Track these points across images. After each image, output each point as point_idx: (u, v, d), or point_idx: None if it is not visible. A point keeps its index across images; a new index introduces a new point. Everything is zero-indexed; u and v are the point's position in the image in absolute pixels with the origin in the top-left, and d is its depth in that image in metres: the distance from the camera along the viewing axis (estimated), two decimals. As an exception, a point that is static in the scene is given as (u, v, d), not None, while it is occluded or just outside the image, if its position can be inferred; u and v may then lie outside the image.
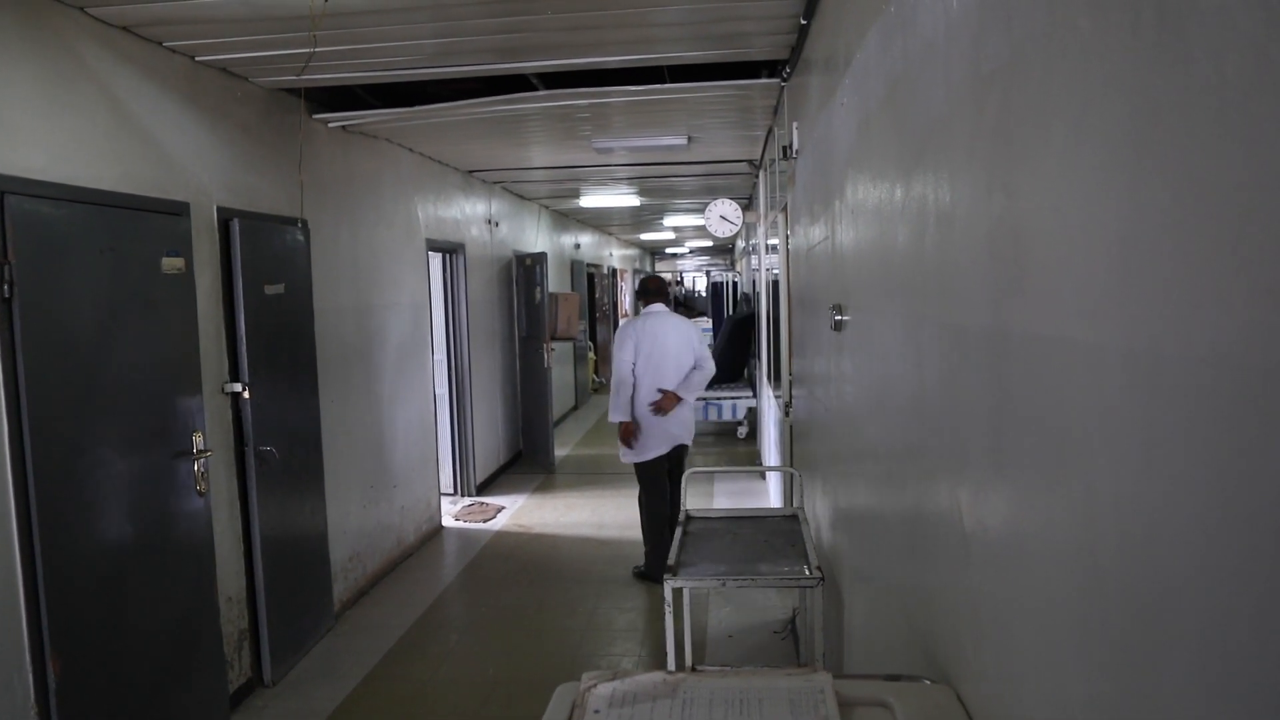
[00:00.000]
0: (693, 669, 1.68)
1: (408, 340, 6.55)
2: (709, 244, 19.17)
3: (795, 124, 4.23)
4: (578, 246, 13.84)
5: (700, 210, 10.43)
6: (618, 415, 5.63)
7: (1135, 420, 0.87)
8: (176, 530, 3.72)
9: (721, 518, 3.61)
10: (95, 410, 3.28)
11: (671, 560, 3.01)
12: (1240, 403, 0.69)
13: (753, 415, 10.22)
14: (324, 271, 5.13)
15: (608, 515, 7.33)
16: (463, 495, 8.01)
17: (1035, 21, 1.11)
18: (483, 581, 5.96)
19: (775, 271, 6.43)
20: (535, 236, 10.88)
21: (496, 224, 9.01)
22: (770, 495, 7.49)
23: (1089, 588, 0.98)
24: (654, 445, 5.63)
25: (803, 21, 3.68)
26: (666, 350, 5.62)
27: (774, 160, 5.66)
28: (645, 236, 17.93)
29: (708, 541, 3.27)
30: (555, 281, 11.18)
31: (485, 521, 7.33)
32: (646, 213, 12.80)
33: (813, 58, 3.64)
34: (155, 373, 3.60)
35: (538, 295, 9.07)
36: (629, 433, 5.60)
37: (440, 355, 7.65)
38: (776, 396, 6.26)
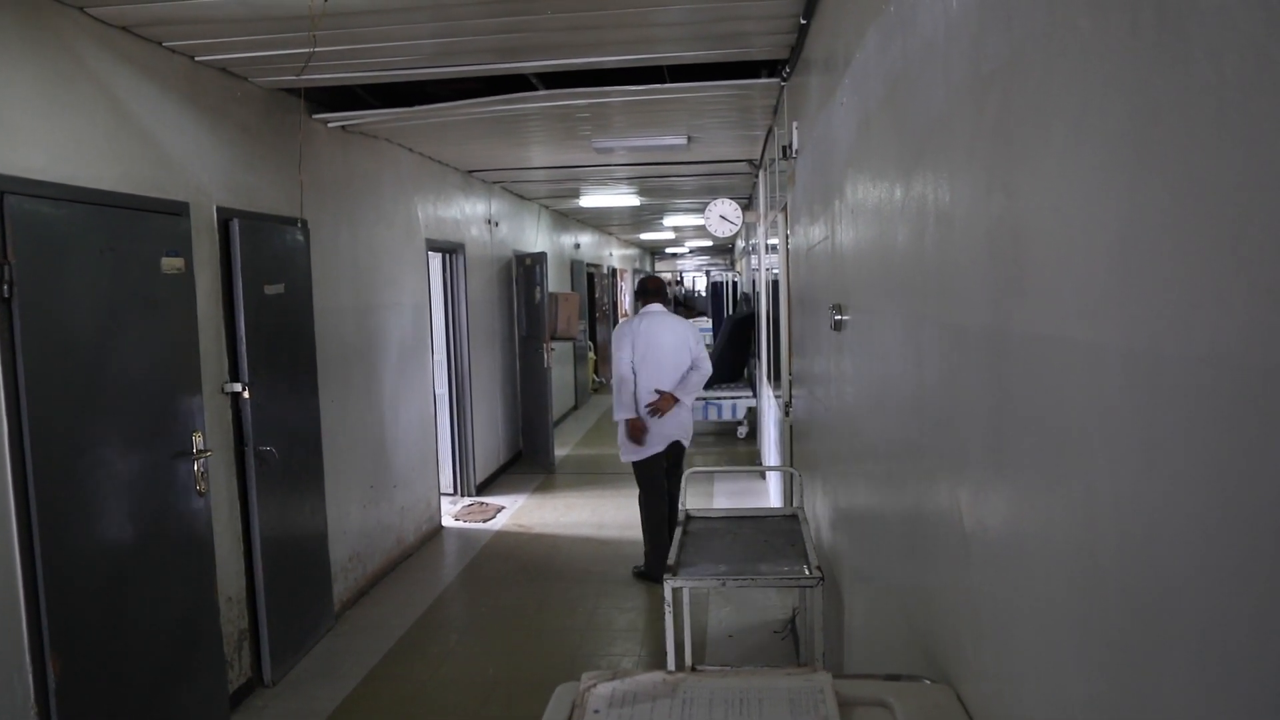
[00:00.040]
0: (693, 669, 1.68)
1: (408, 340, 6.55)
2: (709, 244, 19.17)
3: (795, 124, 4.23)
4: (577, 246, 13.84)
5: (700, 210, 10.43)
6: (623, 413, 5.62)
7: (1135, 420, 0.87)
8: (176, 530, 3.72)
9: (721, 517, 3.61)
10: (95, 410, 3.28)
11: (671, 560, 3.01)
12: (1240, 403, 0.69)
13: (752, 415, 10.22)
14: (324, 271, 5.13)
15: (608, 515, 7.33)
16: (463, 495, 8.01)
17: (1035, 21, 1.11)
18: (483, 581, 5.96)
19: (775, 271, 6.43)
20: (535, 236, 10.88)
21: (496, 224, 9.01)
22: (770, 495, 7.49)
23: (1089, 588, 0.98)
24: (650, 444, 5.63)
25: (802, 21, 3.68)
26: (663, 350, 5.62)
27: (774, 160, 5.66)
28: (645, 236, 17.93)
29: (708, 541, 3.27)
30: (555, 281, 11.18)
31: (485, 521, 7.33)
32: (646, 212, 12.80)
33: (812, 57, 3.64)
34: (155, 373, 3.60)
35: (537, 295, 9.07)
36: (637, 429, 5.59)
37: (440, 355, 7.65)
38: (776, 396, 6.26)
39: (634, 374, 5.61)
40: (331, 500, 5.12)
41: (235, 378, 4.19)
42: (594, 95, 4.98)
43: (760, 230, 7.65)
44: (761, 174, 7.38)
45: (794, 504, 3.90)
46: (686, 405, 5.71)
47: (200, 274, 3.94)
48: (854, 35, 2.48)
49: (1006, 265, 1.23)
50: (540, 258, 9.13)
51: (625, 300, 19.92)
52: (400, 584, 5.90)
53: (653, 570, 5.59)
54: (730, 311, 14.65)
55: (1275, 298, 0.64)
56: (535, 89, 4.89)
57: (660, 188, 9.91)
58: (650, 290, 6.00)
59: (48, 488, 3.03)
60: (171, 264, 3.69)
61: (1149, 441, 0.84)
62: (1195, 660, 0.76)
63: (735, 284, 17.19)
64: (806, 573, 2.89)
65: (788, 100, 4.72)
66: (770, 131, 6.13)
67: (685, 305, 25.31)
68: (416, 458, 6.68)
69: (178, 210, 3.80)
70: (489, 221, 8.77)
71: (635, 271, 21.72)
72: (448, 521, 7.31)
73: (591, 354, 15.06)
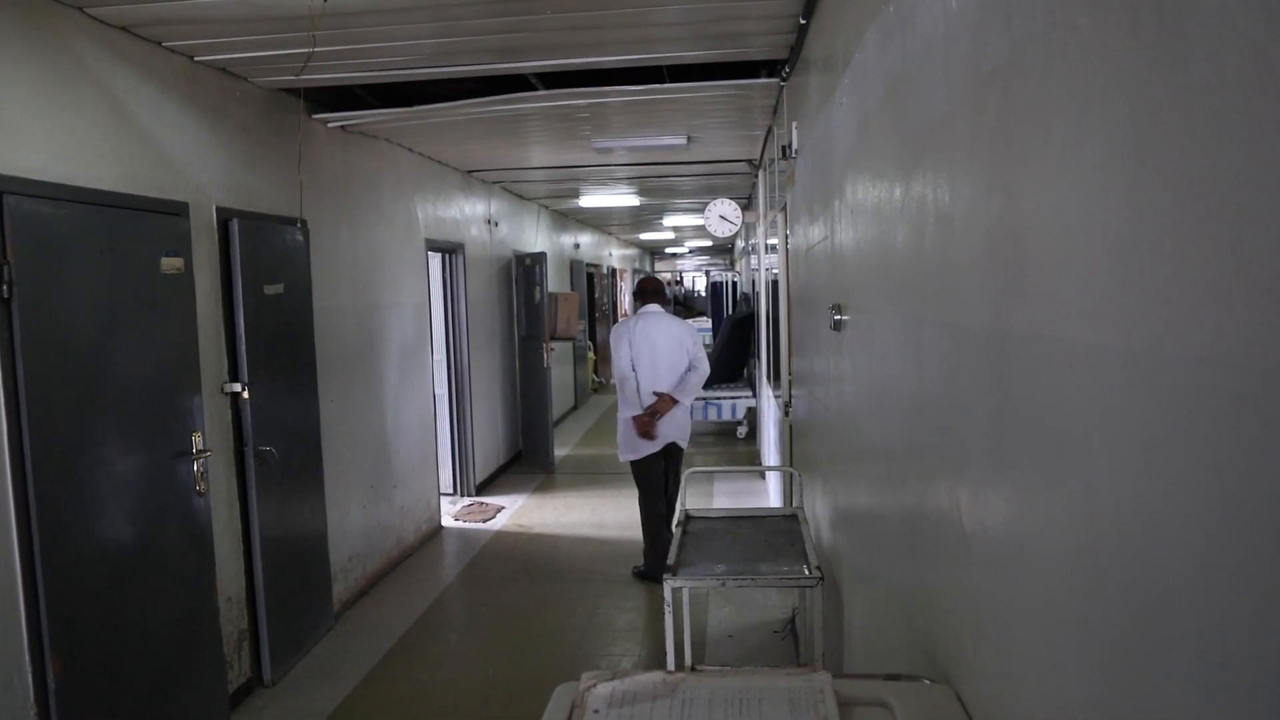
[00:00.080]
0: (692, 669, 1.67)
1: (407, 340, 6.55)
2: (708, 244, 19.18)
3: (794, 124, 4.23)
4: (577, 246, 13.84)
5: (700, 210, 10.43)
6: (629, 410, 5.62)
7: (1135, 420, 0.87)
8: (176, 530, 3.71)
9: (721, 517, 3.61)
10: (95, 410, 3.28)
11: (671, 560, 3.01)
12: (1240, 403, 0.69)
13: (752, 415, 10.22)
14: (323, 271, 5.13)
15: (607, 515, 7.33)
16: (462, 495, 8.01)
17: (1035, 21, 1.11)
18: (482, 581, 5.96)
19: (774, 271, 6.43)
20: (535, 236, 10.88)
21: (496, 224, 9.01)
22: (770, 495, 7.49)
23: (1089, 587, 0.98)
24: (643, 445, 5.63)
25: (802, 21, 3.68)
26: (659, 351, 5.62)
27: (773, 160, 5.66)
28: (645, 236, 17.93)
29: (707, 541, 3.27)
30: (555, 281, 11.18)
31: (485, 521, 7.33)
32: (646, 212, 12.80)
33: (812, 57, 3.64)
34: (154, 373, 3.60)
35: (537, 295, 9.07)
36: (646, 425, 5.59)
37: (440, 355, 7.65)
38: (776, 396, 6.26)
39: (634, 371, 5.61)
40: (331, 500, 5.12)
41: (235, 378, 4.19)
42: (593, 95, 4.98)
43: (760, 230, 7.65)
44: (761, 174, 7.38)
45: (794, 504, 3.90)
46: (685, 406, 5.71)
47: (200, 274, 3.94)
48: (853, 35, 2.48)
49: (1006, 265, 1.23)
50: (540, 258, 9.13)
51: (625, 300, 19.92)
52: (400, 584, 5.90)
53: (652, 570, 5.59)
54: (730, 311, 14.66)
55: (1275, 298, 0.64)
56: (535, 89, 4.89)
57: (660, 188, 9.91)
58: (648, 291, 6.00)
59: (47, 488, 3.03)
60: (171, 264, 3.69)
61: (1149, 441, 0.84)
62: (1195, 660, 0.76)
63: (735, 284, 17.19)
64: (806, 573, 2.89)
65: (787, 100, 4.72)
66: (770, 131, 6.13)
67: (684, 305, 25.29)
68: (416, 458, 6.68)
69: (177, 210, 3.80)
70: (489, 221, 8.77)
71: (635, 271, 21.72)
72: (447, 521, 7.31)
73: (591, 354, 15.06)
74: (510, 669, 4.57)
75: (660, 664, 3.63)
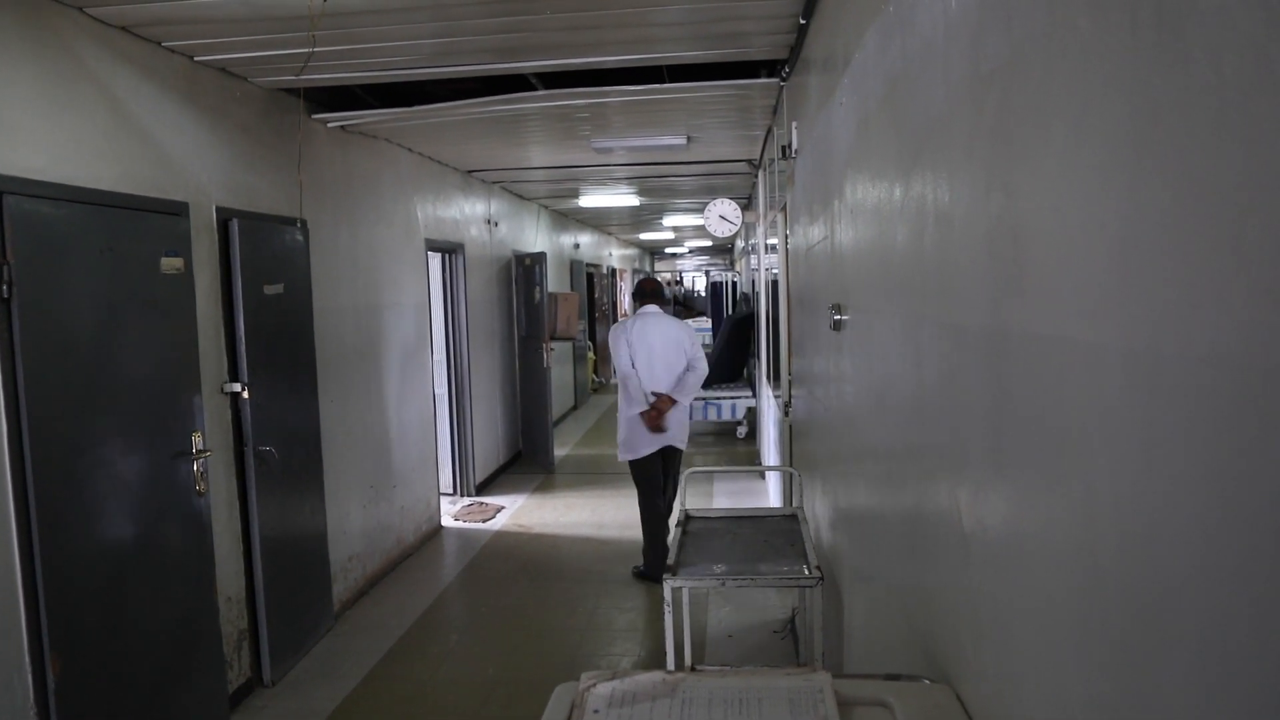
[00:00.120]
0: (692, 669, 1.67)
1: (407, 340, 6.55)
2: (708, 244, 19.18)
3: (794, 123, 4.23)
4: (577, 246, 13.84)
5: (699, 210, 10.43)
6: (635, 408, 5.62)
7: (1135, 420, 0.86)
8: (176, 530, 3.71)
9: (721, 517, 3.61)
10: (94, 410, 3.28)
11: (671, 560, 3.01)
12: (1240, 403, 0.69)
13: (752, 415, 10.22)
14: (323, 271, 5.13)
15: (607, 515, 7.33)
16: (462, 495, 8.00)
17: (1035, 21, 1.11)
18: (482, 581, 5.96)
19: (774, 271, 6.43)
20: (534, 236, 10.88)
21: (496, 224, 9.01)
22: (770, 495, 7.49)
23: (1089, 587, 0.98)
24: (643, 445, 5.64)
25: (802, 21, 3.68)
26: (656, 352, 5.63)
27: (773, 160, 5.66)
28: (645, 236, 17.93)
29: (707, 541, 3.27)
30: (554, 281, 11.18)
31: (485, 521, 7.33)
32: (646, 212, 12.80)
33: (812, 57, 3.64)
34: (154, 373, 3.60)
35: (537, 295, 9.07)
36: (655, 419, 5.58)
37: (440, 355, 7.65)
38: (776, 396, 6.26)
39: (635, 368, 5.62)
40: (331, 500, 5.12)
41: (235, 378, 4.19)
42: (593, 95, 4.98)
43: (759, 230, 7.65)
44: (761, 174, 7.38)
45: (793, 504, 3.90)
46: (683, 406, 5.71)
47: (200, 274, 3.94)
48: (853, 35, 2.48)
49: (1006, 265, 1.23)
50: (540, 258, 9.13)
51: (625, 300, 19.93)
52: (400, 584, 5.90)
53: (652, 570, 5.60)
54: (730, 311, 14.66)
55: (1275, 298, 0.64)
56: (534, 89, 4.88)
57: (660, 188, 9.91)
58: (647, 292, 6.00)
59: (47, 488, 3.02)
60: (171, 264, 3.69)
61: (1149, 441, 0.84)
62: (1195, 660, 0.76)
63: (735, 284, 17.19)
64: (806, 572, 2.89)
65: (787, 100, 4.72)
66: (769, 131, 6.13)
67: (684, 305, 25.29)
68: (416, 458, 6.68)
69: (177, 210, 3.80)
70: (488, 221, 8.77)
71: (635, 271, 21.72)
72: (447, 521, 7.31)
73: (591, 354, 15.06)
74: (510, 669, 4.57)
75: (660, 664, 3.63)
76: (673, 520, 3.78)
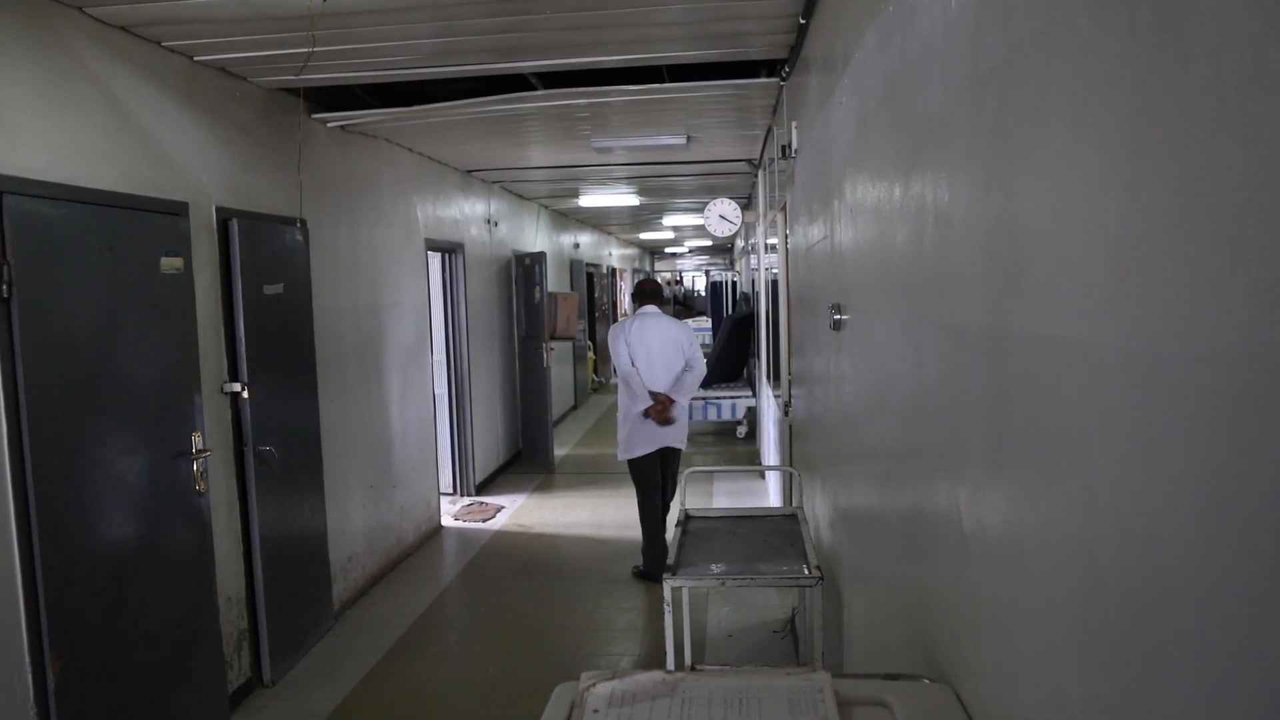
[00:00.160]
0: (692, 668, 1.67)
1: (407, 340, 6.55)
2: (708, 243, 19.17)
3: (794, 123, 4.23)
4: (577, 246, 13.84)
5: (699, 210, 10.43)
6: (638, 405, 5.63)
7: (1135, 420, 0.86)
8: (176, 530, 3.71)
9: (721, 517, 3.61)
10: (94, 410, 3.28)
11: (671, 560, 3.01)
12: (1240, 403, 0.69)
13: (752, 415, 10.22)
14: (323, 271, 5.13)
15: (607, 515, 7.33)
16: (462, 495, 8.01)
17: (1033, 21, 1.11)
18: (482, 581, 5.96)
19: (774, 271, 6.43)
20: (534, 236, 10.88)
21: (495, 224, 9.01)
22: (769, 495, 7.49)
23: (1088, 587, 0.98)
24: (639, 445, 5.66)
25: (801, 21, 3.68)
26: (654, 351, 5.65)
27: (773, 160, 5.66)
28: (644, 236, 17.93)
29: (707, 541, 3.27)
30: (554, 281, 11.18)
31: (485, 521, 7.33)
32: (646, 212, 12.79)
33: (811, 57, 3.64)
34: (154, 373, 3.59)
35: (537, 295, 9.07)
36: (661, 414, 5.59)
37: (439, 355, 7.65)
38: (776, 396, 6.26)
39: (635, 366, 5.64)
40: (331, 500, 5.12)
41: (234, 378, 4.19)
42: (593, 95, 4.98)
43: (759, 230, 7.65)
44: (761, 174, 7.38)
45: (793, 503, 3.90)
46: (682, 406, 5.73)
47: (199, 274, 3.94)
48: (853, 35, 2.48)
49: (1005, 265, 1.23)
50: (539, 257, 9.13)
51: (624, 300, 19.93)
52: (400, 584, 5.90)
53: (651, 569, 5.61)
54: (729, 311, 14.66)
55: (1275, 297, 0.64)
56: (534, 89, 4.88)
57: (659, 187, 9.91)
58: (646, 292, 6.02)
59: (47, 488, 3.02)
60: (171, 264, 3.69)
61: (1149, 441, 0.84)
62: (1195, 660, 0.76)
63: (735, 284, 17.19)
64: (806, 572, 2.89)
65: (787, 100, 4.71)
66: (769, 131, 6.13)
67: (684, 305, 25.28)
68: (416, 457, 6.68)
69: (177, 210, 3.80)
70: (488, 221, 8.77)
71: (635, 271, 21.72)
72: (447, 521, 7.31)
73: (591, 354, 15.07)
74: (510, 669, 4.57)
75: (660, 663, 3.63)
76: (672, 520, 3.78)
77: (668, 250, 23.67)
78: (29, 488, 2.96)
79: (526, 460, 9.53)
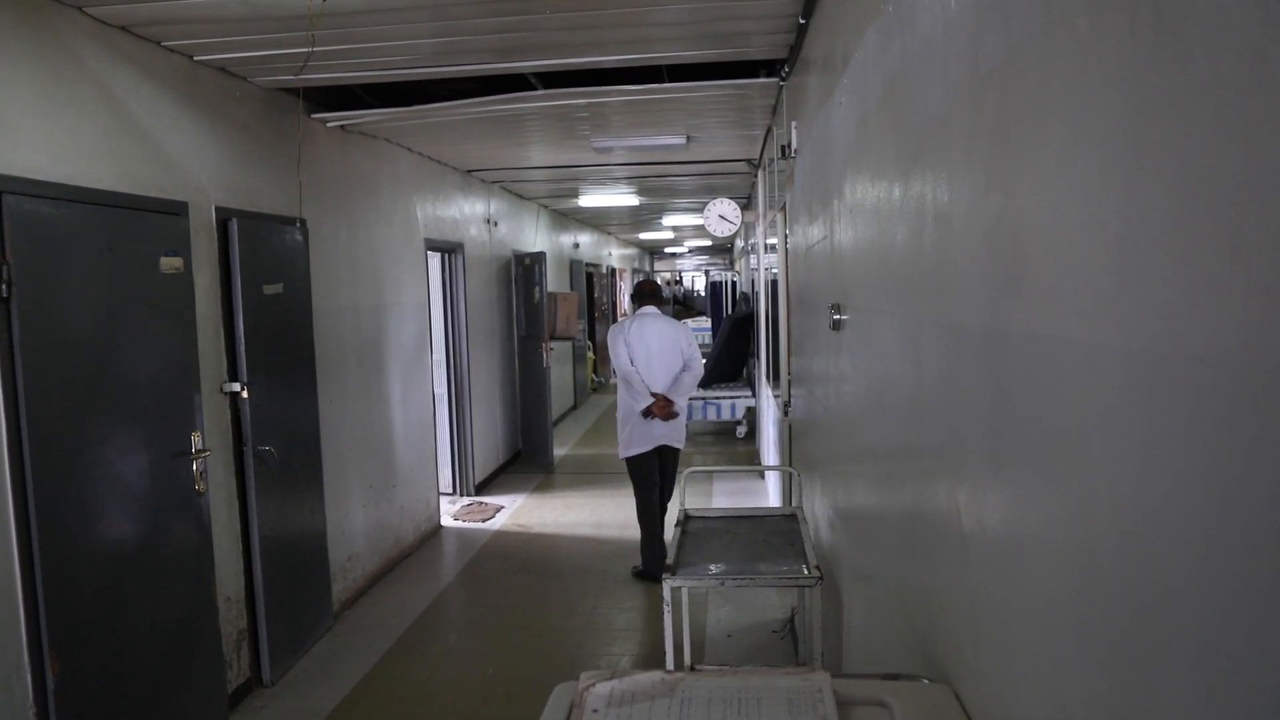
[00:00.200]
0: (691, 668, 1.67)
1: (407, 340, 6.55)
2: (708, 243, 19.17)
3: (794, 123, 4.23)
4: (576, 246, 13.84)
5: (699, 210, 10.43)
6: (640, 403, 5.64)
7: (1134, 420, 0.86)
8: (175, 530, 3.71)
9: (720, 517, 3.61)
10: (94, 410, 3.28)
11: (670, 560, 3.01)
12: (1240, 403, 0.69)
13: (751, 415, 10.22)
14: (323, 271, 5.13)
15: (606, 515, 7.33)
16: (462, 495, 8.00)
17: (1033, 21, 1.11)
18: (482, 581, 5.96)
19: (774, 271, 6.43)
20: (534, 236, 10.88)
21: (495, 223, 9.00)
22: (769, 495, 7.49)
23: (1088, 587, 0.98)
24: (637, 443, 5.68)
25: (801, 21, 3.68)
26: (653, 351, 5.67)
27: (773, 160, 5.66)
28: (644, 236, 17.92)
29: (707, 541, 3.27)
30: (554, 281, 11.18)
31: (484, 521, 7.33)
32: (645, 212, 12.79)
33: (811, 57, 3.64)
34: (154, 372, 3.59)
35: (536, 295, 9.06)
36: (663, 410, 5.61)
37: (439, 355, 7.65)
38: (775, 396, 6.26)
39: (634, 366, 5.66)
40: (330, 500, 5.12)
41: (234, 377, 4.19)
42: (592, 95, 4.98)
43: (759, 230, 7.65)
44: (760, 174, 7.38)
45: (793, 503, 3.90)
46: (680, 405, 5.75)
47: (199, 274, 3.94)
48: (853, 35, 2.48)
49: (1005, 265, 1.23)
50: (539, 257, 9.13)
51: (624, 300, 19.93)
52: (399, 584, 5.90)
53: (649, 566, 5.62)
54: (729, 311, 14.66)
55: (1274, 297, 0.64)
56: (534, 89, 4.88)
57: (659, 187, 9.91)
58: (646, 293, 6.03)
59: (46, 488, 3.02)
60: (170, 264, 3.69)
61: (1149, 441, 0.84)
62: (1195, 660, 0.76)
63: (734, 283, 17.19)
64: (805, 572, 2.89)
65: (786, 100, 4.71)
66: (769, 131, 6.13)
67: (684, 305, 25.28)
68: (415, 457, 6.68)
69: (176, 210, 3.79)
70: (488, 221, 8.77)
71: (635, 271, 21.72)
72: (447, 521, 7.31)
73: (590, 353, 15.07)
74: (509, 668, 4.57)
75: (659, 663, 3.63)
76: (671, 520, 3.78)
77: (667, 250, 23.67)
78: (28, 487, 2.96)
79: (526, 460, 9.53)
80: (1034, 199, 1.13)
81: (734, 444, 10.35)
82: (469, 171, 8.11)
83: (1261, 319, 0.66)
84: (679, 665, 2.70)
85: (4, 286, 2.89)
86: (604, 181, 9.25)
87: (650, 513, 5.67)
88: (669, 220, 13.72)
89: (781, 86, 4.76)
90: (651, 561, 5.60)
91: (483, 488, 8.31)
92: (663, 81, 4.82)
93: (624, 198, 10.66)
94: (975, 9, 1.34)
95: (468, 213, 8.15)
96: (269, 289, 4.43)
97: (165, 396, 3.66)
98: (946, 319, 1.57)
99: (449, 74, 4.54)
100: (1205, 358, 0.73)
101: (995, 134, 1.27)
